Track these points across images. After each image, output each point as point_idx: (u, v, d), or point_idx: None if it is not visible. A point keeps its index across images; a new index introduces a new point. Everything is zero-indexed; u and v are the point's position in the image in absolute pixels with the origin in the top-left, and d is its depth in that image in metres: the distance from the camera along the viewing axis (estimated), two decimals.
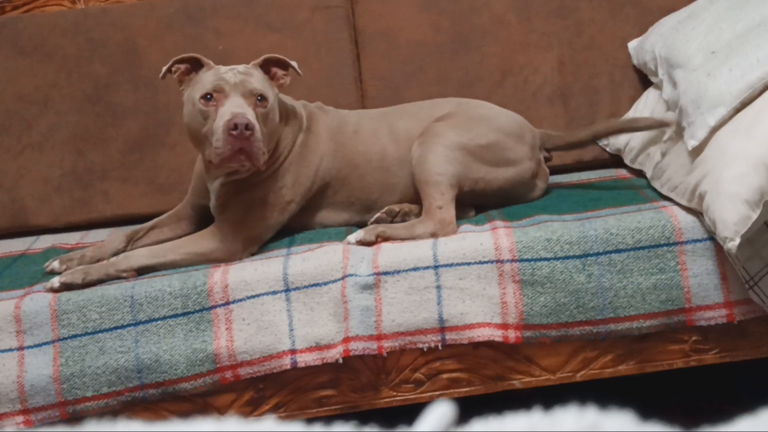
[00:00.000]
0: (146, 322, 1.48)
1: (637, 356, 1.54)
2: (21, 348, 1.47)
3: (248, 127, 1.48)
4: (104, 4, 2.21)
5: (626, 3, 2.12)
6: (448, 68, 2.11)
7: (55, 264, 1.66)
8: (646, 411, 0.44)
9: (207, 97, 1.54)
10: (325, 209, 1.74)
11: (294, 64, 1.66)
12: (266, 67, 1.66)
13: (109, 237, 1.79)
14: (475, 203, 1.73)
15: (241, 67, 1.61)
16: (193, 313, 1.48)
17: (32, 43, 2.10)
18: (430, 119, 1.74)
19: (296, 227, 1.72)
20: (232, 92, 1.54)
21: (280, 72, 1.67)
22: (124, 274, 1.56)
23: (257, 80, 1.59)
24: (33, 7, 2.21)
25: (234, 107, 1.51)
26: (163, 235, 1.79)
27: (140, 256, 1.59)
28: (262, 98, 1.57)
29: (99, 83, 2.09)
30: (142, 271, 1.57)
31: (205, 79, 1.57)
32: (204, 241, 1.61)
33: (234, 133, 1.48)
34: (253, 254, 1.62)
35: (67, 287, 1.52)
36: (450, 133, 1.68)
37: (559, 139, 1.85)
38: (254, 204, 1.64)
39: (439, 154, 1.65)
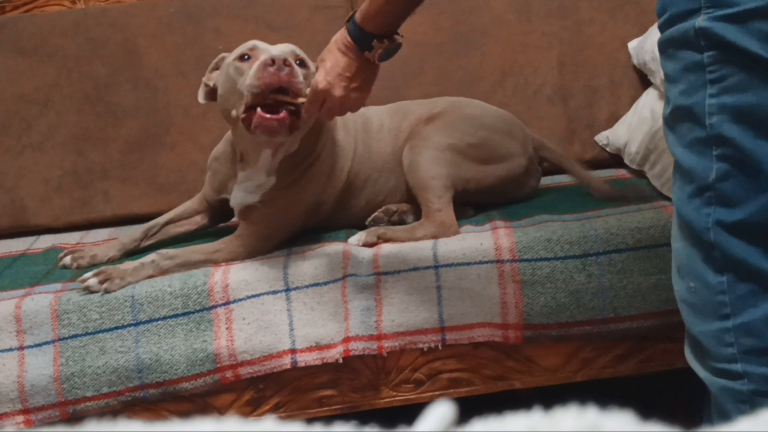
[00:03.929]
0: (147, 322, 1.48)
1: (637, 356, 1.54)
2: (21, 348, 1.47)
3: (286, 63, 1.37)
4: (104, 4, 2.21)
5: (626, 3, 2.12)
6: (448, 68, 2.11)
7: (67, 260, 1.67)
8: (646, 411, 0.44)
9: (244, 57, 1.48)
10: (344, 211, 1.71)
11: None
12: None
13: (121, 237, 1.76)
14: (470, 202, 1.73)
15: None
16: (193, 312, 1.48)
17: (32, 43, 2.10)
18: (424, 117, 1.74)
19: (311, 229, 1.71)
20: (269, 49, 1.49)
21: None
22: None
23: (298, 49, 1.53)
24: (33, 7, 2.22)
25: (268, 54, 1.43)
26: (180, 230, 1.77)
27: (171, 264, 1.55)
28: (302, 63, 1.49)
29: (99, 83, 2.09)
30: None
31: (241, 46, 1.52)
32: (238, 248, 1.58)
33: (271, 69, 1.37)
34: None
35: (106, 292, 1.50)
36: (438, 135, 1.67)
37: (554, 157, 1.86)
38: (287, 209, 1.61)
39: (429, 157, 1.64)
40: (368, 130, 1.74)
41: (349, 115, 1.68)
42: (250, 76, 1.40)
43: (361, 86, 1.34)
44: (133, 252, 1.72)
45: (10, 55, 2.10)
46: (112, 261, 1.69)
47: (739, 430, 0.30)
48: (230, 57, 1.53)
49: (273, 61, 1.37)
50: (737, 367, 0.99)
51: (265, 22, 2.12)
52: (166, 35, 2.11)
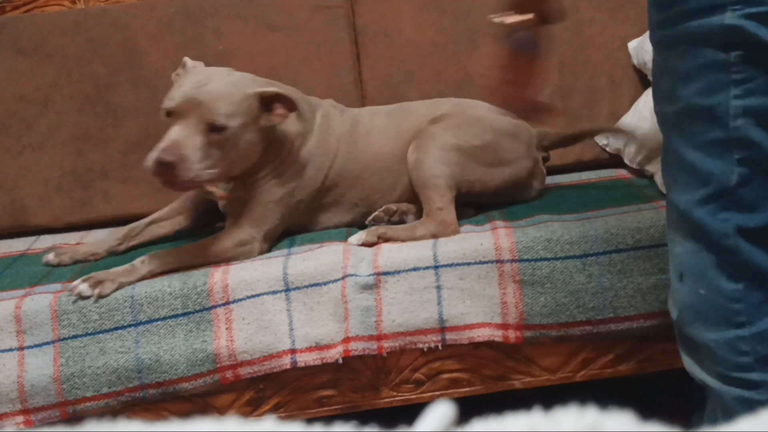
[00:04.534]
0: (146, 322, 1.48)
1: (637, 356, 1.54)
2: (21, 348, 1.47)
3: (169, 165, 1.41)
4: (104, 4, 2.21)
5: (626, 3, 2.12)
6: (448, 68, 2.11)
7: (50, 256, 1.68)
8: (646, 411, 0.44)
9: (168, 114, 1.49)
10: (333, 209, 1.74)
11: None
12: (270, 100, 1.56)
13: (104, 237, 1.78)
14: (473, 203, 1.73)
15: (221, 83, 1.51)
16: (193, 313, 1.48)
17: (32, 43, 2.10)
18: (428, 118, 1.74)
19: (303, 226, 1.72)
20: (184, 114, 1.46)
21: (281, 110, 1.57)
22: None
23: (223, 105, 1.48)
24: (33, 7, 2.21)
25: (170, 137, 1.45)
26: (162, 230, 1.78)
27: (164, 263, 1.55)
28: (217, 128, 1.47)
29: (99, 83, 2.09)
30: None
31: (173, 92, 1.51)
32: (226, 242, 1.59)
33: (155, 168, 1.42)
34: (265, 251, 1.62)
35: (99, 297, 1.49)
36: (445, 135, 1.67)
37: (555, 135, 1.86)
38: (266, 202, 1.64)
39: (435, 156, 1.65)
40: (356, 131, 1.75)
41: (336, 117, 1.73)
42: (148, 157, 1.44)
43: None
44: (117, 251, 1.73)
45: (10, 55, 2.10)
46: (96, 259, 1.70)
47: (739, 430, 0.30)
48: (164, 101, 1.51)
49: (155, 162, 1.41)
50: (754, 376, 0.96)
51: (265, 22, 2.12)
52: (166, 35, 2.11)
